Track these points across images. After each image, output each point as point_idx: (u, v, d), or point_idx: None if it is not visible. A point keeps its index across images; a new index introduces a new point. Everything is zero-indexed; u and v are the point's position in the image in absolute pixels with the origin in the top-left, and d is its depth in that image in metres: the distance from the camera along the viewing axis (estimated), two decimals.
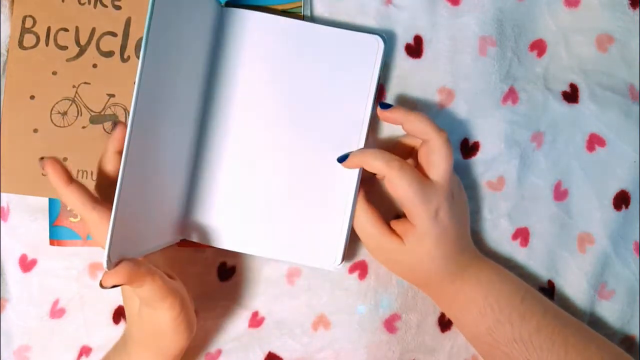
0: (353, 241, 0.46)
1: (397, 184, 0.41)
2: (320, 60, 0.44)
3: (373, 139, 0.47)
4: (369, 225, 0.43)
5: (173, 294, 0.37)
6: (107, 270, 0.34)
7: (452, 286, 0.44)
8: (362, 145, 0.44)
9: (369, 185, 0.45)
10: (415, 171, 0.41)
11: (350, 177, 0.44)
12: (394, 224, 0.44)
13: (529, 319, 0.42)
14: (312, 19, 0.47)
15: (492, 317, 0.42)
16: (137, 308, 0.39)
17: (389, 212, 0.48)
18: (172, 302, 0.37)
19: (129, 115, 0.45)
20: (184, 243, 0.45)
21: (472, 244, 0.46)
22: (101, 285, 0.34)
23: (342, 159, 0.43)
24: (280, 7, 0.46)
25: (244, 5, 0.45)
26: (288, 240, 0.44)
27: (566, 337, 0.42)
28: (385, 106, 0.43)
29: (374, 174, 0.46)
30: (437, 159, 0.42)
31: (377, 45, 0.43)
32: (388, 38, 0.47)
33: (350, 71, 0.44)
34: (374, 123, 0.44)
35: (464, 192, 0.46)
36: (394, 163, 0.40)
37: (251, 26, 0.44)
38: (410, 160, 0.46)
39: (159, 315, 0.38)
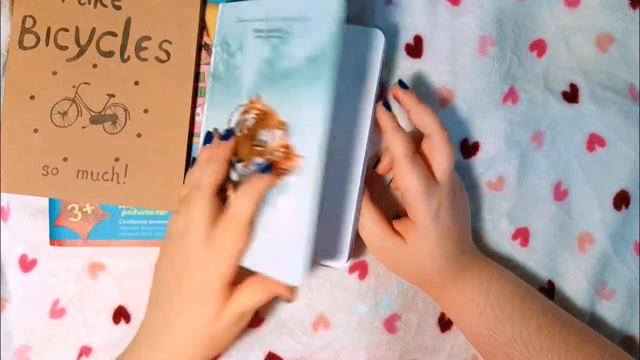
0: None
1: (407, 177, 0.41)
2: None
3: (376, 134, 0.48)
4: (372, 224, 0.43)
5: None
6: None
7: (453, 286, 0.44)
8: (365, 139, 0.44)
9: (369, 184, 0.45)
10: (426, 170, 0.42)
11: (355, 175, 0.43)
12: (395, 223, 0.44)
13: (529, 318, 0.42)
14: None
15: (493, 317, 0.42)
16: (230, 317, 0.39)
17: (389, 212, 0.48)
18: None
19: (129, 114, 0.45)
20: None
21: (472, 244, 0.46)
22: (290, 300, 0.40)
23: (402, 85, 0.43)
24: None
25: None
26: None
27: (566, 337, 0.42)
28: (404, 86, 0.43)
29: (374, 174, 0.46)
30: (439, 156, 0.42)
31: (378, 38, 0.43)
32: (388, 38, 0.47)
33: (352, 64, 0.43)
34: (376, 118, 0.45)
35: (465, 191, 0.46)
36: (411, 155, 0.41)
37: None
38: None
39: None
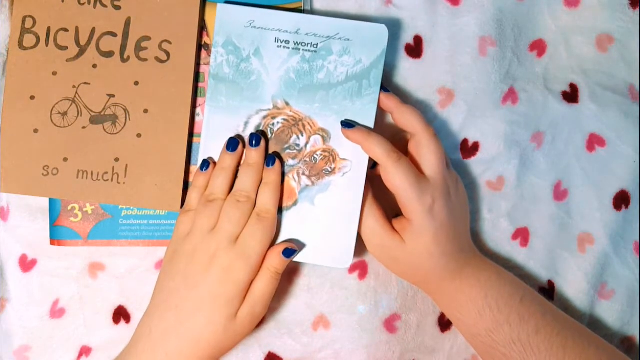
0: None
1: (393, 174, 0.41)
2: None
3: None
4: (373, 220, 0.43)
5: None
6: None
7: (451, 285, 0.44)
8: None
9: (370, 182, 0.45)
10: (412, 166, 0.42)
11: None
12: (393, 222, 0.44)
13: (528, 320, 0.42)
14: None
15: (491, 318, 0.42)
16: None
17: (390, 212, 0.48)
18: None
19: (129, 114, 0.45)
20: None
21: (472, 243, 0.46)
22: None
23: (346, 125, 0.43)
24: (280, 7, 0.46)
25: (243, 3, 0.45)
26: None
27: (565, 338, 0.42)
28: (385, 89, 0.44)
29: (373, 173, 0.46)
30: (425, 153, 0.42)
31: (382, 33, 0.44)
32: (388, 38, 0.47)
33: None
34: (378, 115, 0.45)
35: (465, 191, 0.46)
36: (393, 154, 0.41)
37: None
38: None
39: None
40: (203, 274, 0.40)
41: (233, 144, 0.43)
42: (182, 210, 0.44)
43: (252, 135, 0.43)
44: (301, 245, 0.44)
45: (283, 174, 0.44)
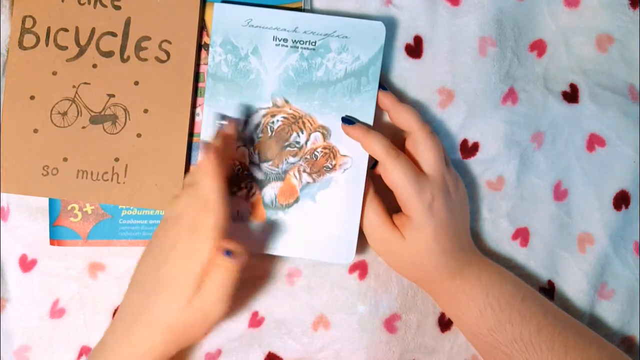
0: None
1: (392, 171, 0.41)
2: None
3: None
4: (374, 214, 0.44)
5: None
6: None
7: (452, 284, 0.44)
8: None
9: (372, 179, 0.45)
10: (411, 163, 0.42)
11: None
12: (393, 217, 0.44)
13: (529, 319, 0.42)
14: None
15: (493, 317, 0.42)
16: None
17: (391, 209, 0.48)
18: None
19: (129, 114, 0.45)
20: None
21: (472, 242, 0.46)
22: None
23: (346, 122, 0.44)
24: (280, 6, 0.46)
25: (243, 3, 0.45)
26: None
27: (566, 338, 0.42)
28: (382, 88, 0.44)
29: (373, 172, 0.46)
30: (422, 151, 0.42)
31: (380, 30, 0.44)
32: (388, 38, 0.47)
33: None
34: (378, 112, 0.45)
35: (464, 190, 0.46)
36: (392, 151, 0.42)
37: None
38: None
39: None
40: (167, 259, 0.39)
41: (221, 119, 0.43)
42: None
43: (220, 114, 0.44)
44: (237, 245, 0.40)
45: (285, 172, 0.44)
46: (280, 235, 0.45)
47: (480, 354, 0.45)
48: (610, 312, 0.50)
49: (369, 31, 0.44)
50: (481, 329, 0.43)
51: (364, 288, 0.49)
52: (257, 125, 0.44)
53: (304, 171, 0.44)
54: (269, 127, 0.44)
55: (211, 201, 0.39)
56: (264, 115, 0.44)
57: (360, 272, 0.49)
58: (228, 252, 0.39)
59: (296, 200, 0.45)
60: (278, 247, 0.45)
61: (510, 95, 0.49)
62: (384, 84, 0.48)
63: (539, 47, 0.50)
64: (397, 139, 0.46)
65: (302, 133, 0.44)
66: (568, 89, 0.50)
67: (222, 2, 0.45)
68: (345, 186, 0.44)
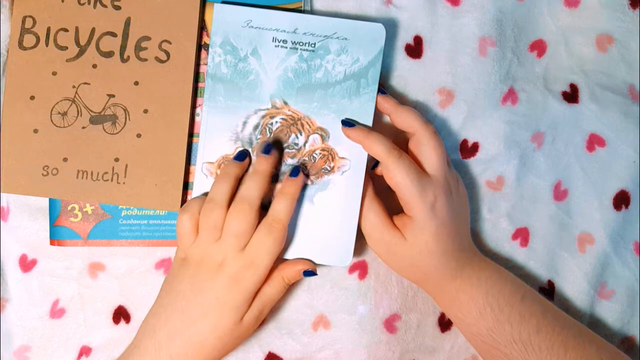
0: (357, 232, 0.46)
1: (395, 171, 0.41)
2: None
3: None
4: (373, 215, 0.43)
5: None
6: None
7: (452, 284, 0.44)
8: None
9: (372, 180, 0.45)
10: (414, 163, 0.42)
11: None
12: (394, 218, 0.44)
13: (529, 319, 0.42)
14: None
15: (492, 317, 0.42)
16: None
17: (391, 210, 0.48)
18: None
19: (128, 114, 0.45)
20: None
21: (472, 242, 0.46)
22: None
23: (346, 124, 0.43)
24: (280, 7, 0.46)
25: (242, 3, 0.45)
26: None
27: (566, 338, 0.42)
28: (381, 92, 0.44)
29: (374, 173, 0.46)
30: (425, 151, 0.42)
31: (380, 32, 0.44)
32: (388, 39, 0.47)
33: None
34: (377, 114, 0.45)
35: (465, 190, 0.46)
36: (394, 151, 0.42)
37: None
38: None
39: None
40: (211, 281, 0.41)
41: (240, 156, 0.43)
42: (181, 209, 0.44)
43: (266, 143, 0.43)
44: (314, 264, 0.44)
45: (283, 173, 0.44)
46: None
47: (479, 354, 0.45)
48: (610, 312, 0.50)
49: (368, 33, 0.43)
50: (480, 329, 0.43)
51: (364, 288, 0.49)
52: (256, 127, 0.44)
53: (302, 173, 0.44)
54: (267, 129, 0.44)
55: (263, 266, 0.41)
56: (262, 117, 0.44)
57: (360, 272, 0.49)
58: (308, 272, 0.43)
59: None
60: None
61: (510, 95, 0.49)
62: (384, 85, 0.48)
63: (539, 47, 0.50)
64: (397, 139, 0.46)
65: (301, 135, 0.44)
66: (568, 89, 0.50)
67: (222, 2, 0.45)
68: (344, 188, 0.44)
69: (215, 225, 0.41)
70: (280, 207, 0.42)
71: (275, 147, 0.43)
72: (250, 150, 0.44)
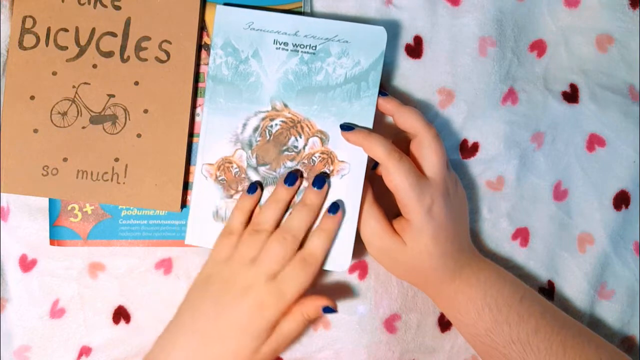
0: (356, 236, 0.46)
1: (394, 174, 0.41)
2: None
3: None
4: (374, 222, 0.43)
5: None
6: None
7: (451, 285, 0.44)
8: None
9: (370, 183, 0.45)
10: (413, 165, 0.42)
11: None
12: (393, 223, 0.44)
13: (527, 320, 0.42)
14: None
15: (490, 318, 0.42)
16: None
17: (390, 212, 0.48)
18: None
19: (129, 114, 0.45)
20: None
21: (471, 243, 0.46)
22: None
23: (346, 128, 0.43)
24: (280, 7, 0.46)
25: (242, 5, 0.45)
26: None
27: (565, 338, 0.42)
28: (382, 94, 0.44)
29: (372, 173, 0.46)
30: (427, 153, 0.42)
31: (381, 35, 0.43)
32: (388, 39, 0.47)
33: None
34: (377, 116, 0.45)
35: (463, 191, 0.46)
36: (394, 154, 0.41)
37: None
38: None
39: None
40: (235, 304, 0.40)
41: (291, 178, 0.43)
42: (222, 231, 0.44)
43: (316, 177, 0.43)
44: (334, 302, 0.43)
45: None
46: None
47: (479, 354, 0.45)
48: (610, 312, 0.50)
49: (369, 36, 0.43)
50: (479, 330, 0.43)
51: (364, 288, 0.49)
52: (256, 129, 0.44)
53: (301, 176, 0.44)
54: (267, 131, 0.44)
55: (290, 299, 0.41)
56: (262, 119, 0.44)
57: (360, 272, 0.49)
58: (327, 309, 0.41)
59: (292, 205, 0.44)
60: None
61: (510, 96, 0.49)
62: (385, 86, 0.48)
63: (539, 47, 0.50)
64: (398, 139, 0.46)
65: (300, 137, 0.44)
66: (568, 89, 0.50)
67: (224, 3, 0.45)
68: (343, 192, 0.44)
69: (255, 247, 0.41)
70: (318, 243, 0.42)
71: (326, 180, 0.43)
72: (249, 152, 0.44)
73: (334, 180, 0.44)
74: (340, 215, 0.43)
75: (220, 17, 0.44)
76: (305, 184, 0.44)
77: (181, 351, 0.41)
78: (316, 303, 0.41)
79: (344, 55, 0.43)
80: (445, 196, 0.42)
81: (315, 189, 0.43)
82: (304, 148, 0.44)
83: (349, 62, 0.43)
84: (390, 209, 0.45)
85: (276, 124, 0.44)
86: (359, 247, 0.45)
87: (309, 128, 0.44)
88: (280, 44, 0.44)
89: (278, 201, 0.43)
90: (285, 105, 0.44)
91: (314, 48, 0.43)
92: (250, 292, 0.40)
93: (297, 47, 0.44)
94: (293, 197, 0.44)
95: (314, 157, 0.44)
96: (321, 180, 0.43)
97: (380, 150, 0.41)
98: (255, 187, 0.44)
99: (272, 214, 0.43)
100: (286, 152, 0.44)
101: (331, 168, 0.44)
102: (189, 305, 0.42)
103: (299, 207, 0.43)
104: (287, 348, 0.42)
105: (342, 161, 0.44)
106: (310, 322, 0.42)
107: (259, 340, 0.40)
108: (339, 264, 0.44)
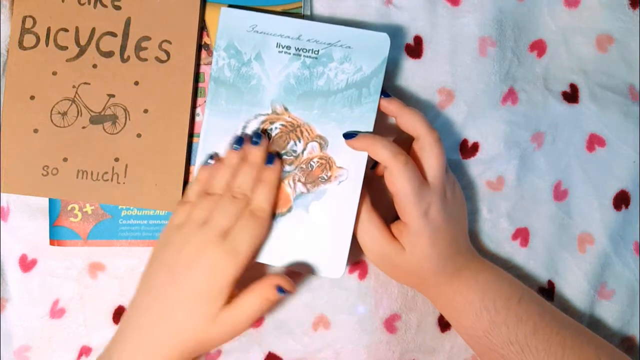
0: (352, 242, 0.46)
1: (398, 177, 0.41)
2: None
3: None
4: (373, 228, 0.43)
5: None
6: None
7: (450, 287, 0.44)
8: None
9: (367, 187, 0.45)
10: (417, 170, 0.42)
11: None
12: (391, 227, 0.44)
13: (526, 321, 0.42)
14: (312, 19, 0.47)
15: (488, 319, 0.42)
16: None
17: (388, 215, 0.48)
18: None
19: (129, 114, 0.45)
20: None
21: (470, 245, 0.46)
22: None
23: (349, 136, 0.43)
24: (280, 8, 0.46)
25: (243, 6, 0.45)
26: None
27: (563, 338, 0.41)
28: (385, 95, 0.44)
29: (372, 175, 0.46)
30: (428, 157, 0.42)
31: (384, 42, 0.43)
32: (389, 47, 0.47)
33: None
34: (378, 118, 0.45)
35: (461, 193, 0.46)
36: (400, 157, 0.41)
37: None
38: None
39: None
40: (188, 269, 0.40)
41: (239, 141, 0.43)
42: (179, 201, 0.44)
43: (254, 133, 0.43)
44: (293, 285, 0.41)
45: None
46: (269, 243, 0.44)
47: (478, 356, 0.45)
48: (610, 312, 0.50)
49: (372, 42, 0.43)
50: (477, 331, 0.43)
51: (364, 288, 0.49)
52: (256, 132, 0.44)
53: (299, 181, 0.44)
54: (266, 134, 0.44)
55: (242, 255, 0.40)
56: (262, 122, 0.44)
57: (360, 272, 0.49)
58: (281, 290, 0.40)
59: (289, 210, 0.44)
60: (266, 255, 0.44)
61: (510, 96, 0.49)
62: (385, 86, 0.48)
63: (539, 47, 0.50)
64: (398, 139, 0.46)
65: (299, 142, 0.44)
66: (568, 89, 0.50)
67: (228, 5, 0.45)
68: (340, 198, 0.43)
69: (206, 209, 0.41)
70: (262, 196, 0.42)
71: (263, 135, 0.43)
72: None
73: (331, 186, 0.44)
74: (278, 164, 0.43)
75: (225, 19, 0.44)
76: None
77: (143, 322, 0.40)
78: (272, 281, 0.40)
79: (346, 60, 0.43)
80: (443, 199, 0.42)
81: (254, 145, 0.43)
82: (302, 152, 0.44)
83: (351, 67, 0.43)
84: (385, 215, 0.45)
85: (276, 128, 0.44)
86: (359, 248, 0.45)
87: (308, 133, 0.44)
88: (283, 48, 0.43)
89: (227, 166, 0.43)
90: (286, 109, 0.44)
91: (316, 52, 0.43)
92: (203, 253, 0.39)
93: (299, 51, 0.43)
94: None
95: (312, 162, 0.44)
96: (258, 136, 0.43)
97: (386, 153, 0.41)
98: (211, 158, 0.44)
99: (223, 178, 0.42)
100: (285, 156, 0.44)
101: (329, 174, 0.44)
102: (147, 279, 0.41)
103: (242, 166, 0.43)
104: (247, 325, 0.40)
105: (340, 167, 0.44)
106: (271, 303, 0.40)
107: (216, 304, 0.39)
108: (333, 271, 0.44)
